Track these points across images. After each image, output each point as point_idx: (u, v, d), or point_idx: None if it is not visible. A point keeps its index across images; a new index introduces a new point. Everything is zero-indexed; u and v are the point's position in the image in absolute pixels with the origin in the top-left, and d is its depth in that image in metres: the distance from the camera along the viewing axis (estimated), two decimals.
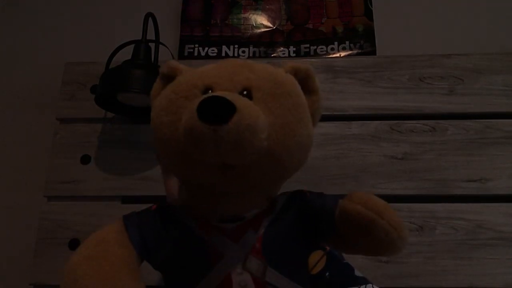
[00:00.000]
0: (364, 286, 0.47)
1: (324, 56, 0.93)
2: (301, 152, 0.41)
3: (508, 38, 0.92)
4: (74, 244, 0.75)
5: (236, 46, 0.95)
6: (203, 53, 0.94)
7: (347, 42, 0.94)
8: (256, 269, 0.39)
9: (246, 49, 0.94)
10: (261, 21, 0.98)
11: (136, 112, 0.80)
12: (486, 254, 0.71)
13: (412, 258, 0.71)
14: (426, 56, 0.84)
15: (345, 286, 0.48)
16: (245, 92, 0.38)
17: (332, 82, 0.83)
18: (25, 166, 0.90)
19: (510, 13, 0.95)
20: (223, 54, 0.94)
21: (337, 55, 0.93)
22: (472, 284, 0.69)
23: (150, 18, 0.78)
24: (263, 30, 0.97)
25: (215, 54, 0.94)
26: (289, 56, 0.93)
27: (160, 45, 0.80)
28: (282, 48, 0.95)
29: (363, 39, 0.94)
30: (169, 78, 0.43)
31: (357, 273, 0.50)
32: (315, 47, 0.95)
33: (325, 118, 0.78)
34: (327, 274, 0.49)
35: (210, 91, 0.38)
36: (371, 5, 0.96)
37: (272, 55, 0.94)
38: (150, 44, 0.77)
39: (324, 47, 0.94)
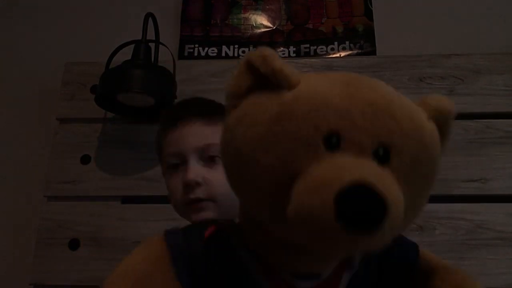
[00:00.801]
0: None
1: (324, 56, 0.93)
2: None
3: (508, 38, 0.92)
4: (74, 244, 0.75)
5: (236, 46, 0.95)
6: (203, 53, 0.94)
7: (347, 42, 0.94)
8: None
9: (246, 49, 0.94)
10: (261, 21, 0.98)
11: (136, 112, 0.80)
12: (486, 254, 0.71)
13: None
14: (426, 56, 0.84)
15: None
16: (381, 152, 0.27)
17: None
18: (25, 166, 0.90)
19: (510, 13, 0.95)
20: (223, 54, 0.94)
21: (337, 55, 0.93)
22: None
23: (150, 18, 0.78)
24: (263, 30, 0.97)
25: (215, 54, 0.94)
26: (289, 56, 0.93)
27: (160, 45, 0.80)
28: (282, 48, 0.95)
29: (363, 39, 0.94)
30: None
31: None
32: (315, 47, 0.94)
33: None
34: None
35: (334, 139, 0.27)
36: (371, 5, 0.96)
37: None
38: (150, 44, 0.77)
39: (324, 47, 0.94)
